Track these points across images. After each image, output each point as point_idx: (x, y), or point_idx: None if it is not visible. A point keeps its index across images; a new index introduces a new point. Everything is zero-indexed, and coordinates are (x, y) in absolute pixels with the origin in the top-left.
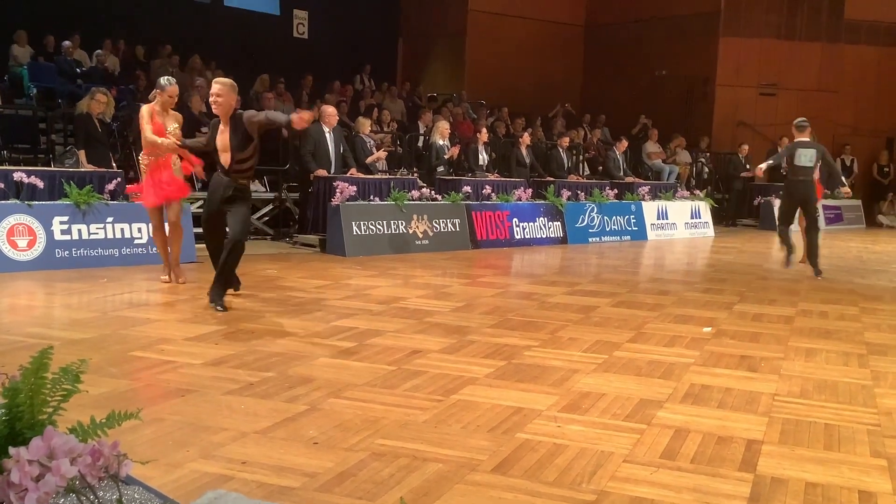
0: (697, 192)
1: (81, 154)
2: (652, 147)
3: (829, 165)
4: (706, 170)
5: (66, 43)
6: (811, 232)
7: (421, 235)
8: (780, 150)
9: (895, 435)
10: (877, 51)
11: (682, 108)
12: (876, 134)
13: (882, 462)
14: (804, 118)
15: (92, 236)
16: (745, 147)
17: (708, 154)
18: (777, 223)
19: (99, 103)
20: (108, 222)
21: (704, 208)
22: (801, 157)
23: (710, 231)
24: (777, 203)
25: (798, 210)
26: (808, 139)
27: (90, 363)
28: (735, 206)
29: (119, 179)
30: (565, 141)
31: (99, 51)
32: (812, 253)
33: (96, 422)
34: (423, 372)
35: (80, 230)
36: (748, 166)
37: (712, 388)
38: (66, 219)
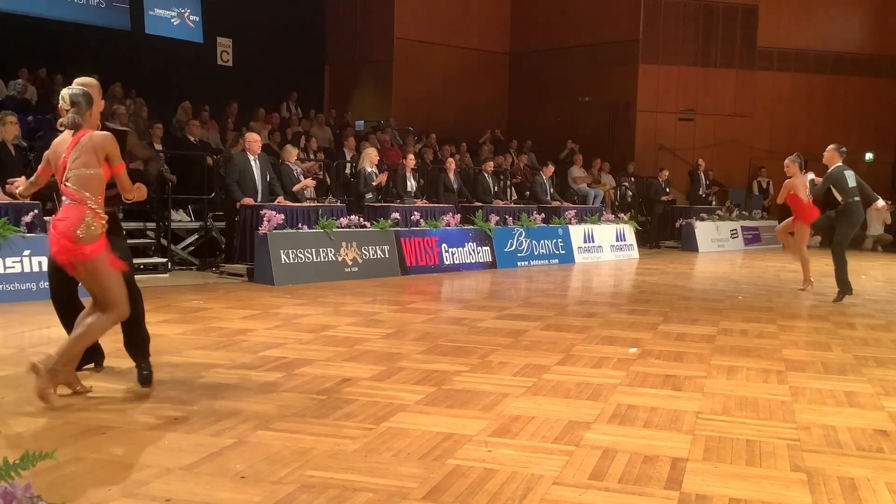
0: (622, 215)
1: None
2: (577, 171)
3: (861, 184)
4: (629, 193)
5: None
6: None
7: (350, 263)
8: (814, 180)
9: (814, 449)
10: (789, 76)
11: (605, 133)
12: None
13: (802, 476)
14: (841, 145)
15: (8, 270)
16: (665, 172)
17: (633, 178)
18: (837, 249)
19: (12, 126)
20: (25, 255)
21: (629, 231)
22: (850, 179)
23: (634, 253)
24: (699, 225)
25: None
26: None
27: (5, 402)
28: (657, 229)
29: (36, 211)
30: (489, 166)
31: (16, 80)
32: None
33: (9, 462)
34: (354, 400)
35: None
36: (668, 190)
37: (638, 408)
38: None
